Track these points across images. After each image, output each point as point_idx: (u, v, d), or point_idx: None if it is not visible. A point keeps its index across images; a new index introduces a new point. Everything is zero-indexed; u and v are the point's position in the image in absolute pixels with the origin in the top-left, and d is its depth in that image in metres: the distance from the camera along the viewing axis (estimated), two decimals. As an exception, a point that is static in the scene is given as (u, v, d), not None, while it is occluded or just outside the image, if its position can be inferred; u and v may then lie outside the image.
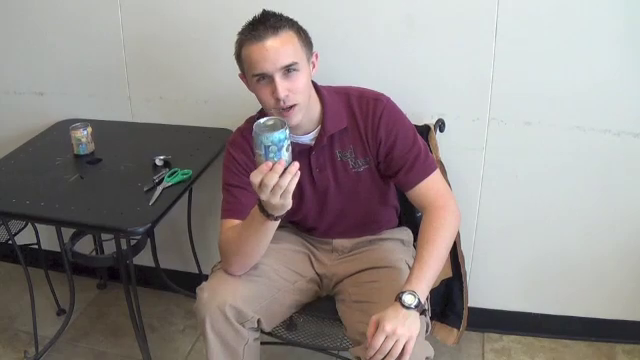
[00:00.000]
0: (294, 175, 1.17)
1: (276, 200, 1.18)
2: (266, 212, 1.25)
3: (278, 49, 1.30)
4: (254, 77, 1.33)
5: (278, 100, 1.32)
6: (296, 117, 1.36)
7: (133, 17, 1.92)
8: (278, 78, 1.31)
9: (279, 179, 1.15)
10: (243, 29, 1.35)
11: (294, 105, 1.34)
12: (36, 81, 2.12)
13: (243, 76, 1.41)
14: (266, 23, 1.31)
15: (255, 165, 1.19)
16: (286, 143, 1.16)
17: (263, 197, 1.18)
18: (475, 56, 1.69)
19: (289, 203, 1.21)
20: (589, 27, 1.60)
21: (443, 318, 1.87)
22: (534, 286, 1.97)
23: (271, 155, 1.15)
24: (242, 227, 1.36)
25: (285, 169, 1.16)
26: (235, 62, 1.40)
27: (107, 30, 1.95)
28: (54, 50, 2.04)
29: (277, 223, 1.30)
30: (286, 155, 1.16)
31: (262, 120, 1.18)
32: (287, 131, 1.15)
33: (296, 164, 1.17)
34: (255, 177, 1.17)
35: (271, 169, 1.15)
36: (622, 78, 1.63)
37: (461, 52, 1.70)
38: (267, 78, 1.32)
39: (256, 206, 1.27)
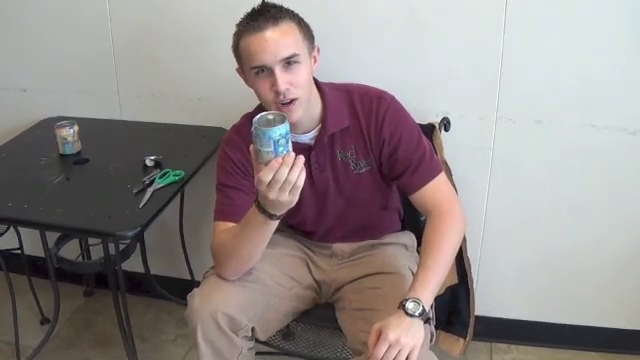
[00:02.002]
0: (302, 169, 1.15)
1: (284, 197, 1.16)
2: (267, 212, 1.22)
3: (278, 40, 1.29)
4: (252, 70, 1.32)
5: (278, 94, 1.30)
6: (296, 113, 1.34)
7: (122, 7, 1.90)
8: (278, 70, 1.29)
9: (288, 174, 1.13)
10: (241, 20, 1.34)
11: (294, 99, 1.32)
12: (19, 76, 2.10)
13: (241, 70, 1.39)
14: (266, 14, 1.30)
15: (255, 165, 1.16)
16: (289, 135, 1.14)
17: (272, 195, 1.15)
18: (482, 51, 1.68)
19: (296, 200, 1.18)
20: (601, 21, 1.59)
21: (449, 327, 1.85)
22: (544, 293, 1.95)
23: (280, 149, 1.13)
24: (238, 229, 1.34)
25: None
26: (232, 56, 1.38)
27: (94, 21, 1.93)
28: (37, 43, 2.02)
29: (277, 223, 1.28)
30: (291, 148, 1.15)
31: (259, 117, 1.16)
32: (288, 123, 1.15)
33: (301, 157, 1.15)
34: (266, 175, 1.13)
35: (281, 163, 1.13)
36: (638, 74, 1.62)
37: (467, 47, 1.69)
38: (266, 71, 1.31)
39: (254, 207, 1.25)
